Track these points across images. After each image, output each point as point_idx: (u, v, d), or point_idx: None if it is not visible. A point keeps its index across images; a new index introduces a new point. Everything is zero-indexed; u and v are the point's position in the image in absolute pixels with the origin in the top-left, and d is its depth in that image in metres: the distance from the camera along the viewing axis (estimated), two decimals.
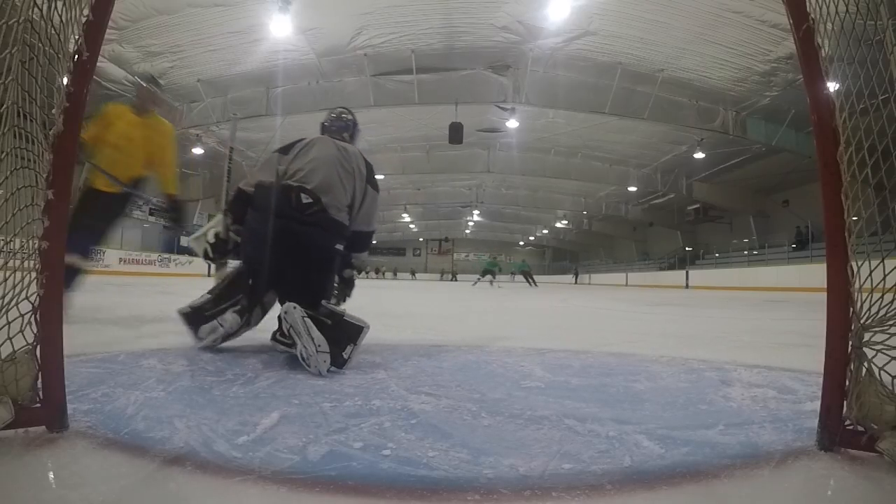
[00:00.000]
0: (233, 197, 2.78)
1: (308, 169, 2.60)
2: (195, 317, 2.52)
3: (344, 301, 2.86)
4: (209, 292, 2.59)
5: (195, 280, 18.52)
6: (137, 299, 6.54)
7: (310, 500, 0.91)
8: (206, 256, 2.97)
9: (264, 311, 2.67)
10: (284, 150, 2.75)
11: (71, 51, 1.17)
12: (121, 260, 21.98)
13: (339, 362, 2.08)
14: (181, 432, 1.20)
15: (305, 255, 2.53)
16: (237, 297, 2.54)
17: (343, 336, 2.20)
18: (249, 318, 2.56)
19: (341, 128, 2.96)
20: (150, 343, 2.64)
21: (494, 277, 25.34)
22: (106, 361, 2.05)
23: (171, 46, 14.15)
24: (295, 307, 2.16)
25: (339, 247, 2.67)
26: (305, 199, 2.52)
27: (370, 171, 2.80)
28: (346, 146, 2.80)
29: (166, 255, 25.37)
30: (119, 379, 1.74)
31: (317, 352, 1.99)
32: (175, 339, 2.71)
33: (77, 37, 1.17)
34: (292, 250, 2.50)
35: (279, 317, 2.27)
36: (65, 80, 1.16)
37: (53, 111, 1.14)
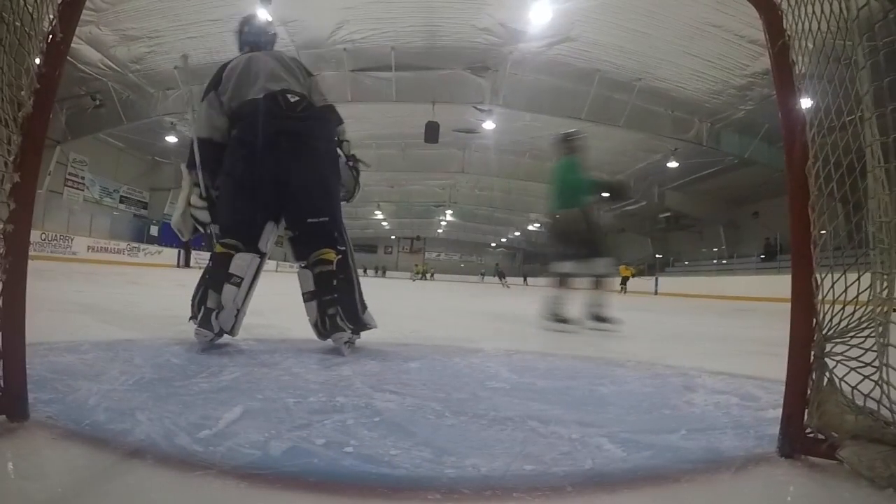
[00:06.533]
0: (196, 150, 2.49)
1: (267, 80, 2.47)
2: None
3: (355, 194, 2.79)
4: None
5: (165, 270, 18.25)
6: (105, 288, 6.41)
7: (270, 495, 0.89)
8: (202, 226, 2.55)
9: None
10: (215, 83, 2.52)
11: (45, 30, 1.13)
12: (89, 248, 21.50)
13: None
14: (143, 425, 1.17)
15: (314, 154, 2.45)
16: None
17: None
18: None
19: (269, 42, 2.87)
20: (115, 333, 2.58)
21: None
22: (69, 350, 1.99)
23: (149, 31, 13.91)
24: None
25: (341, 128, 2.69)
26: (292, 97, 2.43)
27: (301, 67, 2.67)
28: (279, 54, 2.73)
29: (135, 244, 24.87)
30: (82, 369, 1.70)
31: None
32: (140, 331, 2.66)
33: (52, 16, 1.13)
34: (300, 152, 2.39)
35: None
36: (37, 61, 1.12)
37: (23, 92, 1.10)
